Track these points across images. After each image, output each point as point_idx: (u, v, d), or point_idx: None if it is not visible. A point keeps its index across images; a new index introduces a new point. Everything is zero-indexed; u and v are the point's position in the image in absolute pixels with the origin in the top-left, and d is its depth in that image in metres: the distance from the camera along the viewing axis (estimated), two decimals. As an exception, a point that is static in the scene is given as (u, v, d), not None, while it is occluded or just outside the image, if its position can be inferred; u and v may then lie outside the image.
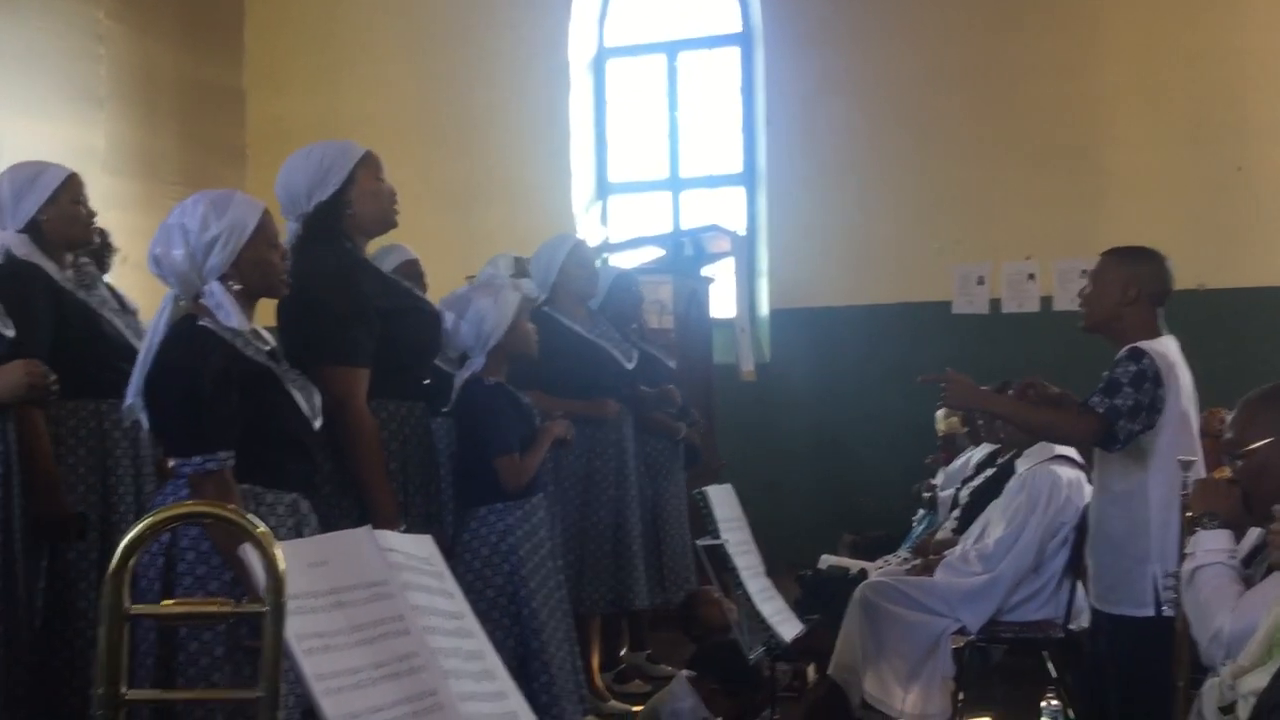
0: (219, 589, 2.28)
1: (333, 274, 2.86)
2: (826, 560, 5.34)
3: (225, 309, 2.40)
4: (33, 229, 3.12)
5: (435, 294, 4.03)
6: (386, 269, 3.83)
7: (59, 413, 2.99)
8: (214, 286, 2.42)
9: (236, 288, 2.43)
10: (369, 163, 2.98)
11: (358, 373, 2.82)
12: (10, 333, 2.74)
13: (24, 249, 3.08)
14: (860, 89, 7.32)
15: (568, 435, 3.41)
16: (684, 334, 5.86)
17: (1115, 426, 2.92)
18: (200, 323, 2.40)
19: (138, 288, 3.50)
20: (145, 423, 2.44)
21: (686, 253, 6.51)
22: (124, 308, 3.27)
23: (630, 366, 4.41)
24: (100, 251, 3.64)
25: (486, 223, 7.61)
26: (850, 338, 7.23)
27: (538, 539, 3.24)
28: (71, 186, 3.18)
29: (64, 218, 3.15)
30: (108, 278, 3.46)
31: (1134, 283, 3.07)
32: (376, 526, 2.39)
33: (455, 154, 7.82)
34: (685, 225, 7.75)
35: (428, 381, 3.13)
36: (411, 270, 4.13)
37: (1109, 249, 3.16)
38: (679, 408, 4.73)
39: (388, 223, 3.03)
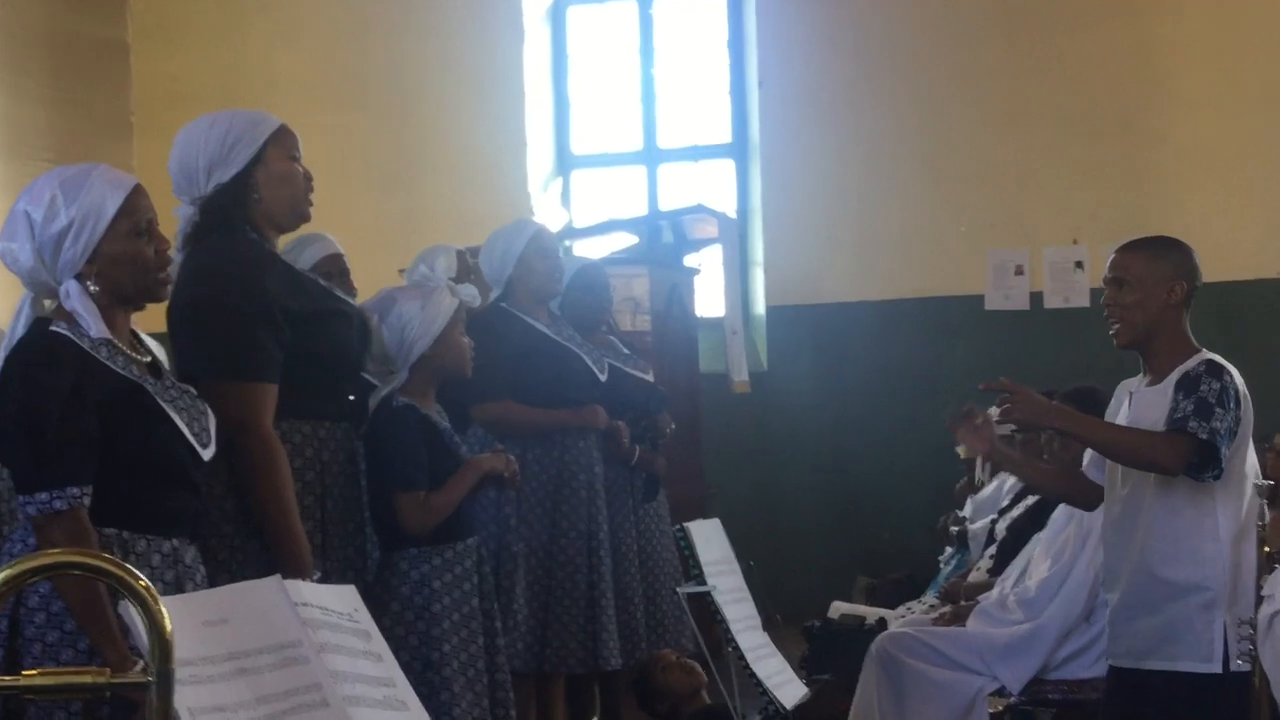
0: (72, 660, 2.23)
1: (230, 270, 2.83)
2: (838, 608, 5.34)
3: (83, 315, 2.36)
4: None
5: (366, 293, 4.03)
6: (304, 264, 3.81)
7: None
8: (70, 286, 2.37)
9: (94, 289, 2.38)
10: (282, 139, 2.95)
11: (262, 389, 2.79)
12: None
13: None
14: (871, 42, 7.36)
15: (508, 471, 3.37)
16: (663, 337, 5.85)
17: (1219, 453, 2.96)
18: (53, 328, 2.35)
19: (7, 288, 3.47)
20: None
21: (665, 239, 6.51)
22: None
23: (603, 378, 4.40)
24: None
25: (425, 205, 7.60)
26: (862, 340, 7.25)
27: (461, 592, 3.21)
28: None
29: None
30: None
31: (1178, 280, 3.09)
32: (286, 575, 2.36)
33: (386, 121, 7.81)
34: (664, 206, 7.75)
35: (353, 398, 3.11)
36: (334, 266, 4.09)
37: (1130, 243, 3.16)
38: (648, 422, 4.67)
39: (299, 213, 3.00)
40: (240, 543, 2.78)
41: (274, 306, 2.82)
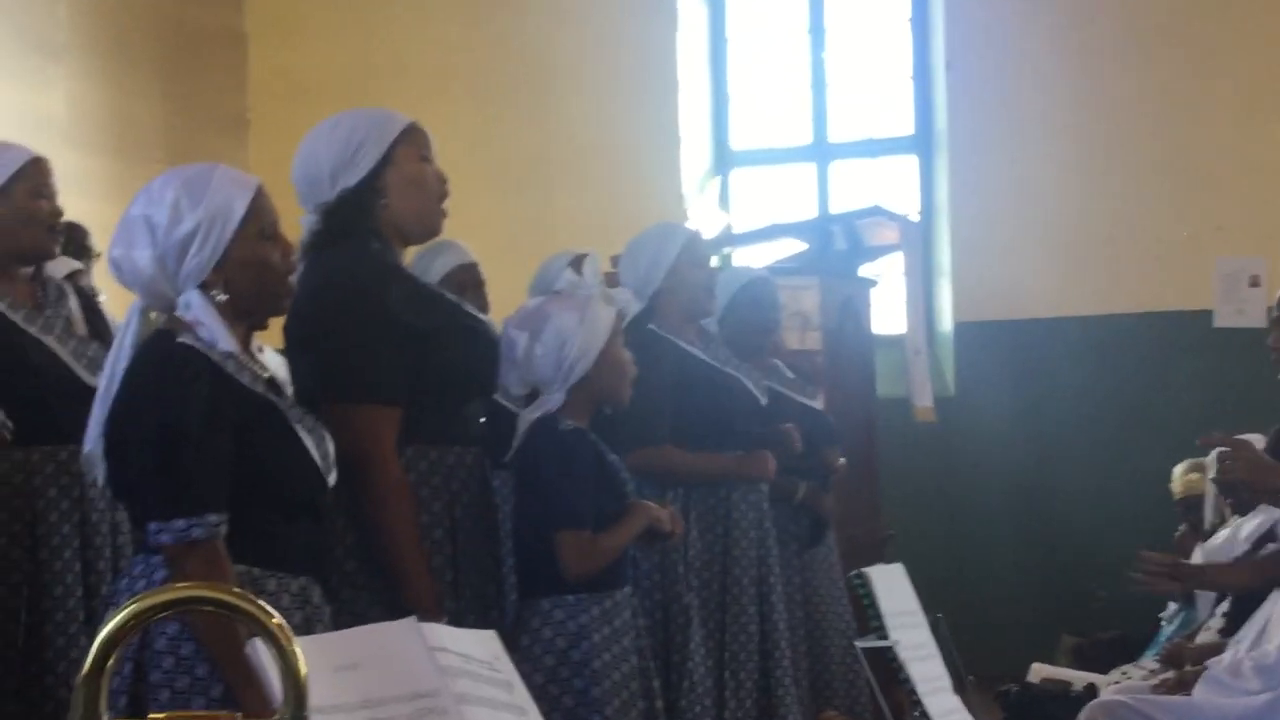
0: (203, 709, 2.26)
1: (351, 282, 2.91)
2: (1039, 671, 5.26)
3: (208, 326, 2.42)
4: None
5: (496, 308, 4.10)
6: (434, 275, 3.90)
7: None
8: (192, 297, 2.43)
9: (222, 298, 2.45)
10: (412, 138, 3.03)
11: (384, 413, 2.86)
12: None
13: None
14: (1079, 17, 7.25)
15: (673, 528, 3.38)
16: (835, 357, 5.83)
17: None
18: (181, 339, 2.41)
19: (114, 294, 3.61)
20: (100, 476, 2.46)
21: (838, 246, 6.47)
22: (99, 334, 3.37)
23: (764, 402, 4.41)
24: (77, 254, 3.75)
25: (567, 209, 7.69)
26: (1065, 362, 7.14)
27: (621, 648, 3.20)
28: (30, 175, 3.29)
29: (16, 215, 3.26)
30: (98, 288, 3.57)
31: None
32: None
33: (523, 118, 7.93)
34: (836, 208, 7.72)
35: (483, 420, 3.17)
36: (468, 276, 4.18)
37: None
38: (817, 458, 4.67)
39: (431, 220, 3.08)
40: (364, 581, 2.86)
41: (397, 323, 2.89)
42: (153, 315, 2.50)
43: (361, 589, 2.85)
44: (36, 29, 6.95)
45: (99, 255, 4.47)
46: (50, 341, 3.24)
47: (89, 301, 3.49)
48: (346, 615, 2.70)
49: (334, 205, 2.97)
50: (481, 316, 3.22)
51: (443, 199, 3.08)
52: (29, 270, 3.33)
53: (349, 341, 2.86)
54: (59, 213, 3.32)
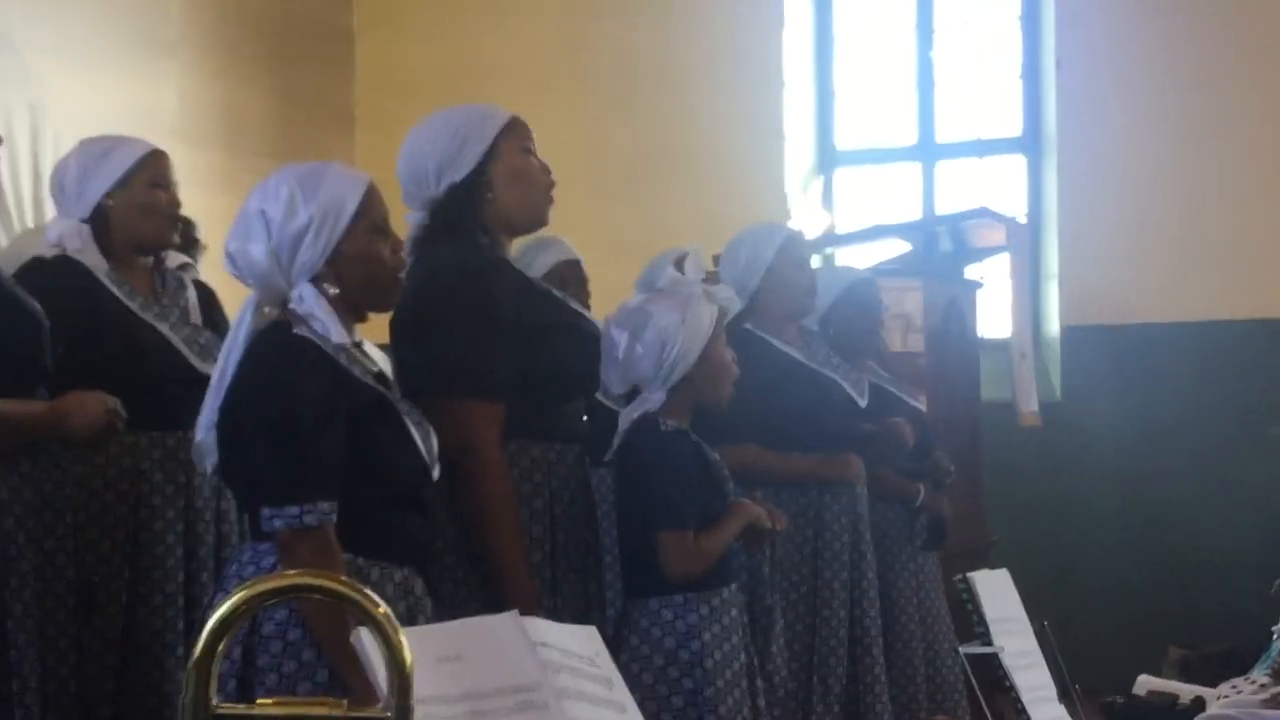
0: (309, 693, 2.31)
1: (458, 278, 2.94)
2: (1145, 683, 5.17)
3: (320, 319, 2.47)
4: (98, 218, 3.32)
5: (598, 306, 4.11)
6: (537, 271, 3.93)
7: (81, 451, 3.16)
8: (305, 290, 2.49)
9: (334, 291, 2.50)
10: (515, 132, 3.06)
11: (487, 409, 2.88)
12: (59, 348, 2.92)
13: (78, 241, 3.28)
14: (1196, 13, 7.12)
15: (776, 525, 3.37)
16: (939, 361, 5.79)
17: None
18: (296, 331, 2.47)
19: (222, 286, 3.66)
20: (208, 466, 2.53)
21: (943, 247, 6.44)
22: (215, 327, 3.43)
23: (863, 403, 4.38)
24: (184, 247, 3.82)
25: (669, 207, 7.70)
26: (1176, 368, 7.02)
27: (731, 646, 3.21)
28: (150, 166, 3.37)
29: (134, 206, 3.34)
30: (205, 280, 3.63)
31: None
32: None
33: (628, 116, 7.95)
34: (942, 209, 7.69)
35: (585, 418, 3.18)
36: (570, 273, 4.21)
37: None
38: (930, 461, 4.64)
39: (537, 212, 3.10)
40: (463, 575, 2.88)
41: (503, 319, 2.91)
42: (266, 309, 2.55)
43: (461, 583, 2.88)
44: (149, 26, 7.09)
45: (205, 248, 4.55)
46: (164, 329, 3.31)
47: (206, 294, 3.56)
48: (446, 609, 2.73)
49: (442, 200, 3.00)
50: (585, 313, 3.23)
51: (549, 189, 3.11)
52: (148, 260, 3.40)
53: (456, 336, 2.88)
54: (178, 204, 3.41)
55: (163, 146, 3.53)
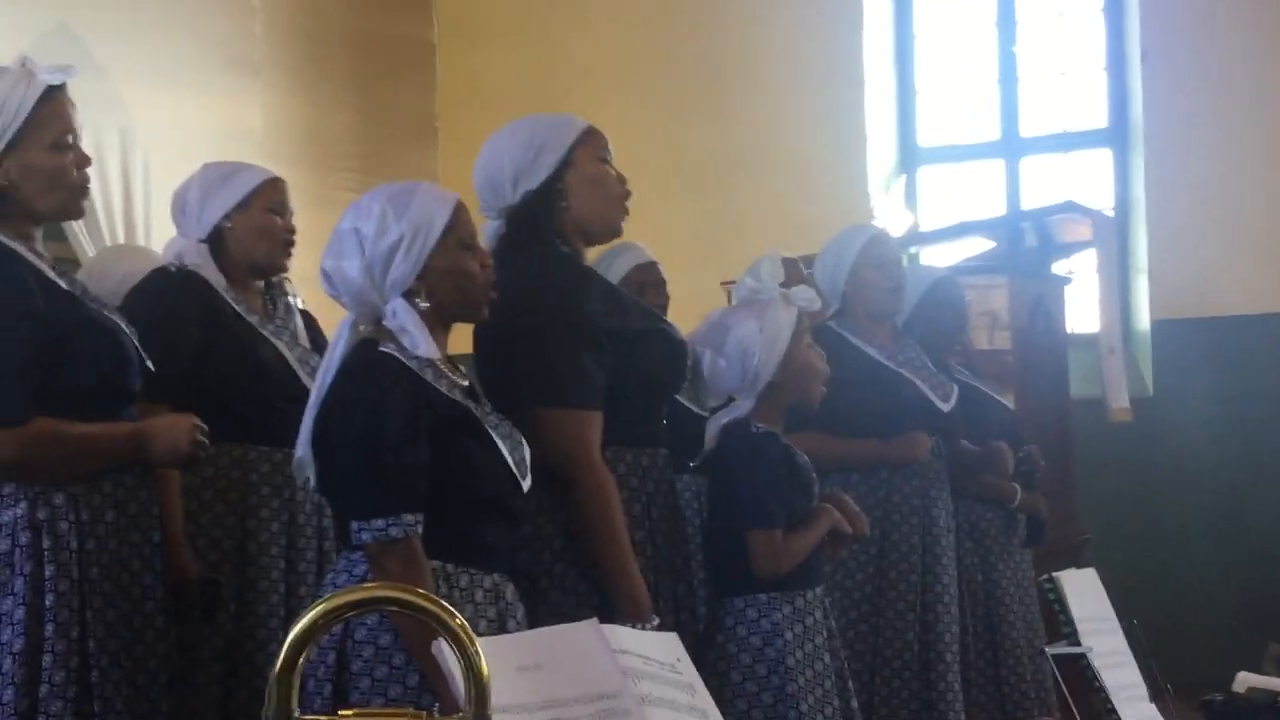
0: (400, 696, 2.39)
1: (550, 285, 2.97)
2: (1245, 680, 5.07)
3: (412, 333, 2.54)
4: (216, 239, 3.41)
5: (679, 309, 4.13)
6: (614, 277, 3.96)
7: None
8: (397, 305, 2.56)
9: (425, 305, 2.56)
10: (590, 141, 3.09)
11: (589, 417, 2.91)
12: (149, 364, 2.98)
13: (197, 258, 3.38)
14: (1279, 4, 7.02)
15: (858, 529, 3.38)
16: (1026, 358, 5.75)
17: None
18: (382, 348, 2.54)
19: (309, 305, 3.73)
20: (312, 479, 2.59)
21: (1029, 243, 6.39)
22: (316, 346, 3.51)
23: (946, 408, 4.35)
24: None
25: (749, 209, 7.70)
26: (1267, 360, 6.91)
27: (814, 646, 3.25)
28: (268, 192, 3.47)
29: (252, 229, 3.43)
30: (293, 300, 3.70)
31: None
32: (626, 620, 2.51)
33: (706, 119, 7.96)
34: (1027, 205, 7.63)
35: (664, 421, 3.21)
36: (648, 276, 4.22)
37: None
38: (1021, 458, 4.63)
39: (612, 221, 3.13)
40: (572, 584, 2.91)
41: (596, 326, 2.94)
42: (361, 328, 2.62)
43: (570, 592, 2.91)
44: (233, 48, 7.20)
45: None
46: (281, 346, 3.39)
47: (308, 319, 3.64)
48: (555, 618, 2.77)
49: (518, 208, 3.03)
50: (668, 320, 3.26)
51: (624, 199, 3.13)
52: (260, 283, 3.49)
53: (551, 345, 2.91)
54: (293, 229, 3.50)
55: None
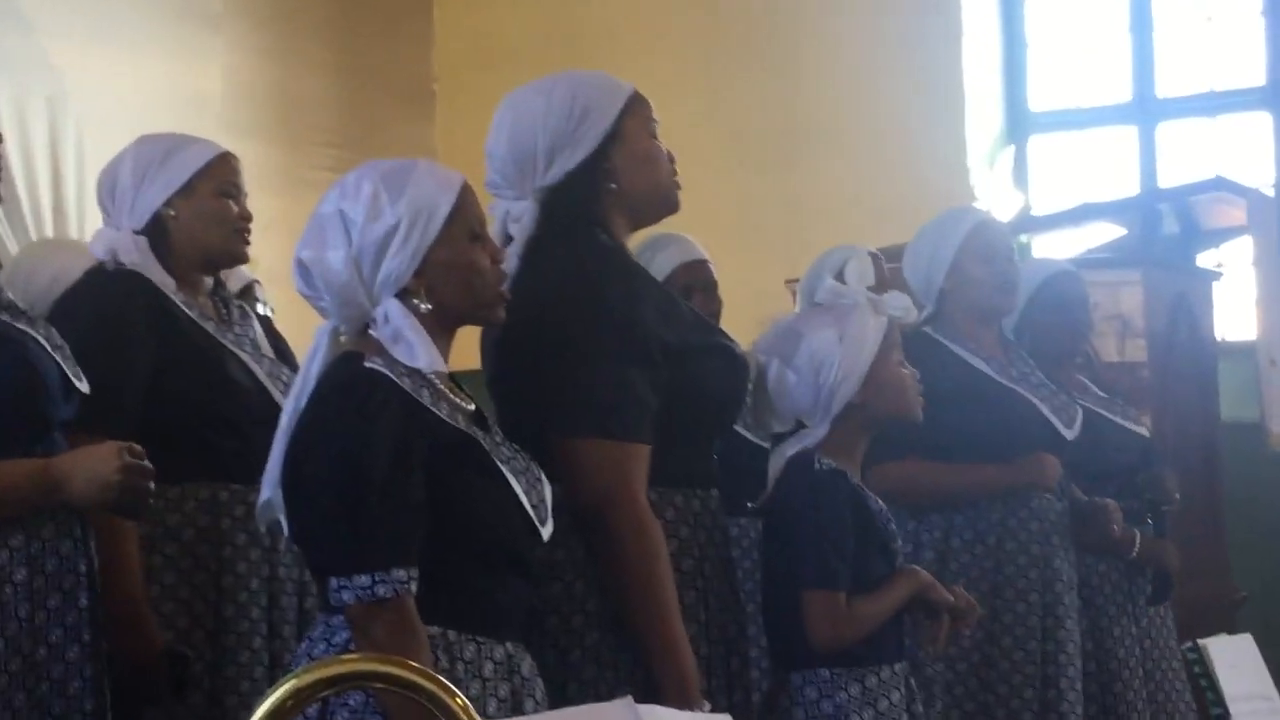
0: None
1: (591, 285, 2.94)
2: None
3: (408, 341, 2.51)
4: (156, 229, 3.42)
5: (732, 314, 4.13)
6: (657, 274, 3.93)
7: (155, 503, 3.16)
8: (390, 307, 2.54)
9: (425, 308, 2.55)
10: (639, 109, 3.06)
11: (634, 450, 2.86)
12: (83, 385, 2.98)
13: (135, 254, 3.38)
14: None
15: (962, 611, 3.33)
16: (1165, 372, 5.73)
17: None
18: (367, 364, 2.51)
19: (279, 307, 3.73)
20: (284, 526, 2.59)
21: (1168, 230, 6.37)
22: (282, 356, 3.51)
23: (1071, 435, 4.33)
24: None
25: (819, 191, 7.67)
26: None
27: None
28: (218, 171, 3.46)
29: (200, 216, 3.42)
30: (262, 309, 3.71)
31: None
32: (669, 700, 2.49)
33: (764, 80, 7.94)
34: (1165, 182, 7.59)
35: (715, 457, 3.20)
36: (696, 277, 4.21)
37: None
38: (1147, 486, 4.58)
39: (670, 201, 3.12)
40: (610, 656, 2.88)
41: (651, 338, 2.92)
42: (342, 338, 2.60)
43: (608, 666, 2.87)
44: (187, -6, 7.24)
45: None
46: (244, 357, 3.39)
47: (268, 324, 3.64)
48: (590, 696, 2.76)
49: (556, 191, 3.00)
50: (724, 331, 3.24)
51: (673, 177, 3.12)
52: (209, 282, 3.49)
53: (590, 361, 2.86)
54: (248, 215, 3.49)
55: (206, 137, 3.62)
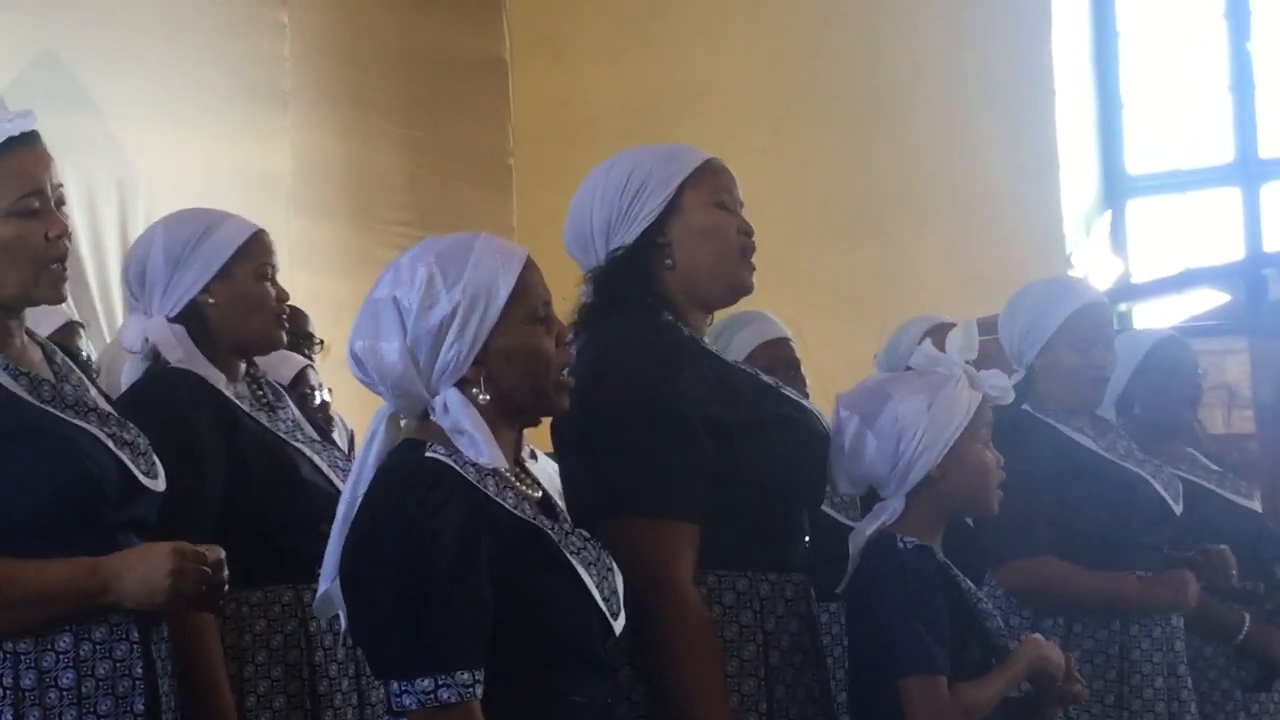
0: None
1: (633, 363, 2.90)
2: None
3: (469, 435, 2.47)
4: (192, 316, 3.38)
5: (822, 387, 4.05)
6: (735, 353, 3.89)
7: (239, 610, 3.18)
8: (450, 397, 2.49)
9: (483, 399, 2.50)
10: (706, 179, 3.03)
11: (674, 529, 2.83)
12: (159, 486, 2.94)
13: (178, 349, 3.33)
14: None
15: (1075, 693, 3.24)
16: (1276, 444, 5.63)
17: None
18: (428, 453, 2.48)
19: (351, 394, 3.67)
20: (344, 620, 2.53)
21: (1274, 295, 6.29)
22: (325, 437, 3.47)
23: (1179, 510, 4.26)
24: (294, 345, 3.87)
25: (910, 260, 7.65)
26: None
27: None
28: (254, 253, 3.41)
29: (240, 303, 3.38)
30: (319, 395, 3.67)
31: None
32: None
33: (852, 147, 7.93)
34: (1270, 246, 7.57)
35: (808, 539, 3.13)
36: (779, 354, 4.16)
37: None
38: (1266, 578, 4.50)
39: (735, 283, 3.06)
40: None
41: (693, 415, 2.87)
42: (402, 422, 2.56)
43: None
44: (256, 73, 7.27)
45: (325, 346, 4.61)
46: (308, 451, 3.35)
47: (306, 402, 3.59)
48: None
49: (607, 269, 2.98)
50: (806, 403, 3.18)
51: (749, 253, 3.07)
52: (243, 366, 3.45)
53: (630, 440, 2.84)
54: (286, 296, 3.44)
55: (277, 217, 3.58)
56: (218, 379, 3.31)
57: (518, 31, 8.52)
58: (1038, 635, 3.25)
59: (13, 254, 2.76)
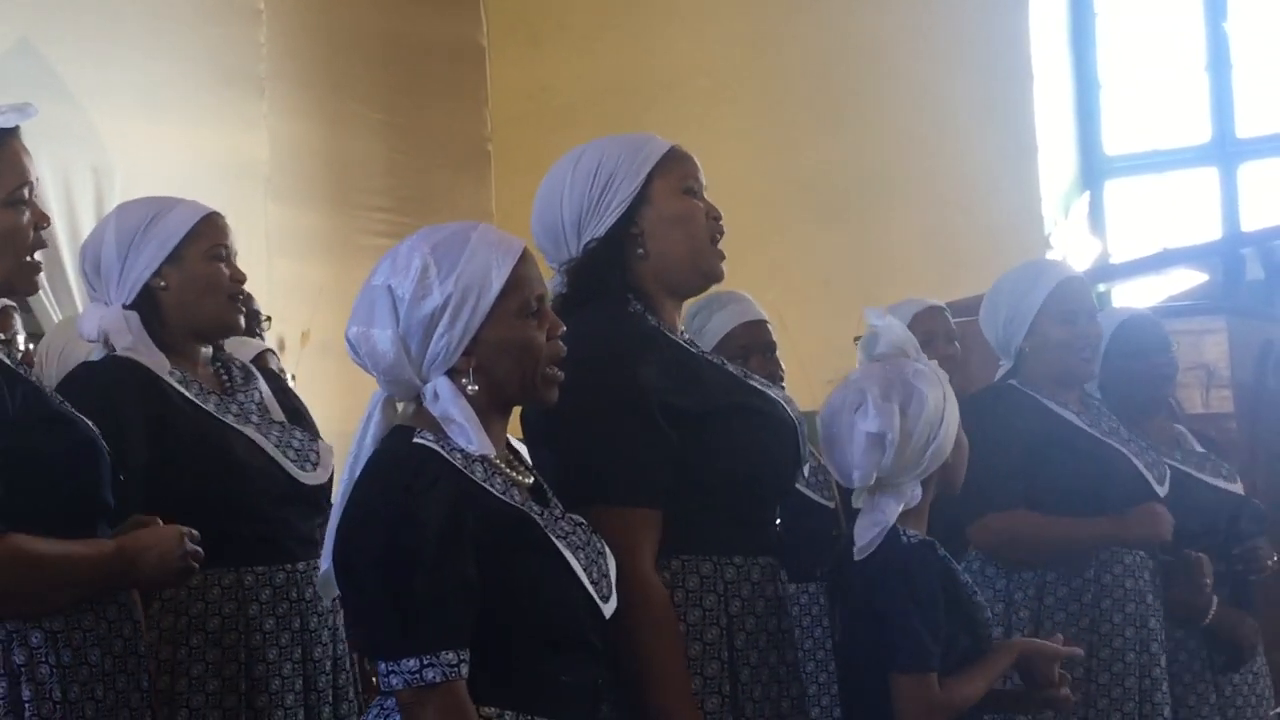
0: None
1: (596, 355, 2.91)
2: None
3: (459, 424, 2.50)
4: (147, 302, 3.39)
5: (802, 369, 4.09)
6: (710, 337, 3.90)
7: (176, 593, 3.19)
8: (440, 385, 2.53)
9: (471, 389, 2.53)
10: (672, 167, 3.03)
11: (635, 516, 2.85)
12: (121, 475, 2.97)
13: (127, 336, 3.33)
14: None
15: (1061, 697, 3.24)
16: (1254, 424, 5.65)
17: None
18: (416, 439, 2.50)
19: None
20: (330, 602, 2.57)
21: (1252, 275, 6.31)
22: (298, 421, 3.49)
23: (1163, 491, 4.28)
24: (247, 326, 3.88)
25: (891, 241, 7.66)
26: None
27: None
28: (206, 234, 3.41)
29: (192, 285, 3.38)
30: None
31: None
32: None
33: (833, 130, 7.93)
34: (1249, 225, 7.56)
35: (779, 522, 3.15)
36: (754, 338, 4.16)
37: None
38: (1244, 568, 4.51)
39: (702, 270, 3.08)
40: None
41: (652, 404, 2.90)
42: (399, 406, 2.59)
43: None
44: (233, 59, 7.27)
45: (270, 320, 4.60)
46: (253, 434, 3.35)
47: (279, 383, 3.61)
48: None
49: (580, 263, 3.01)
50: (771, 392, 3.20)
51: (717, 238, 3.08)
52: (207, 350, 3.46)
53: (591, 430, 2.87)
54: (242, 278, 3.43)
55: (254, 204, 3.58)
56: (161, 365, 3.31)
57: (495, 17, 8.52)
58: (1012, 640, 3.29)
59: (10, 243, 2.78)
